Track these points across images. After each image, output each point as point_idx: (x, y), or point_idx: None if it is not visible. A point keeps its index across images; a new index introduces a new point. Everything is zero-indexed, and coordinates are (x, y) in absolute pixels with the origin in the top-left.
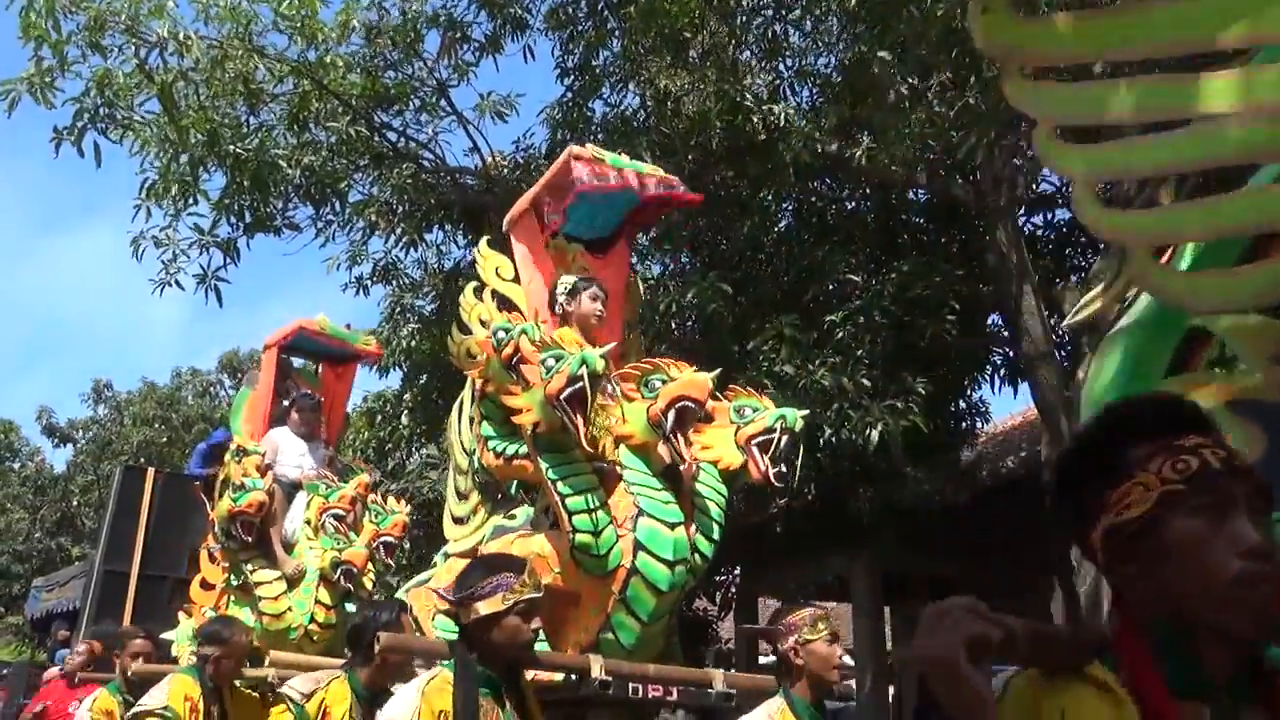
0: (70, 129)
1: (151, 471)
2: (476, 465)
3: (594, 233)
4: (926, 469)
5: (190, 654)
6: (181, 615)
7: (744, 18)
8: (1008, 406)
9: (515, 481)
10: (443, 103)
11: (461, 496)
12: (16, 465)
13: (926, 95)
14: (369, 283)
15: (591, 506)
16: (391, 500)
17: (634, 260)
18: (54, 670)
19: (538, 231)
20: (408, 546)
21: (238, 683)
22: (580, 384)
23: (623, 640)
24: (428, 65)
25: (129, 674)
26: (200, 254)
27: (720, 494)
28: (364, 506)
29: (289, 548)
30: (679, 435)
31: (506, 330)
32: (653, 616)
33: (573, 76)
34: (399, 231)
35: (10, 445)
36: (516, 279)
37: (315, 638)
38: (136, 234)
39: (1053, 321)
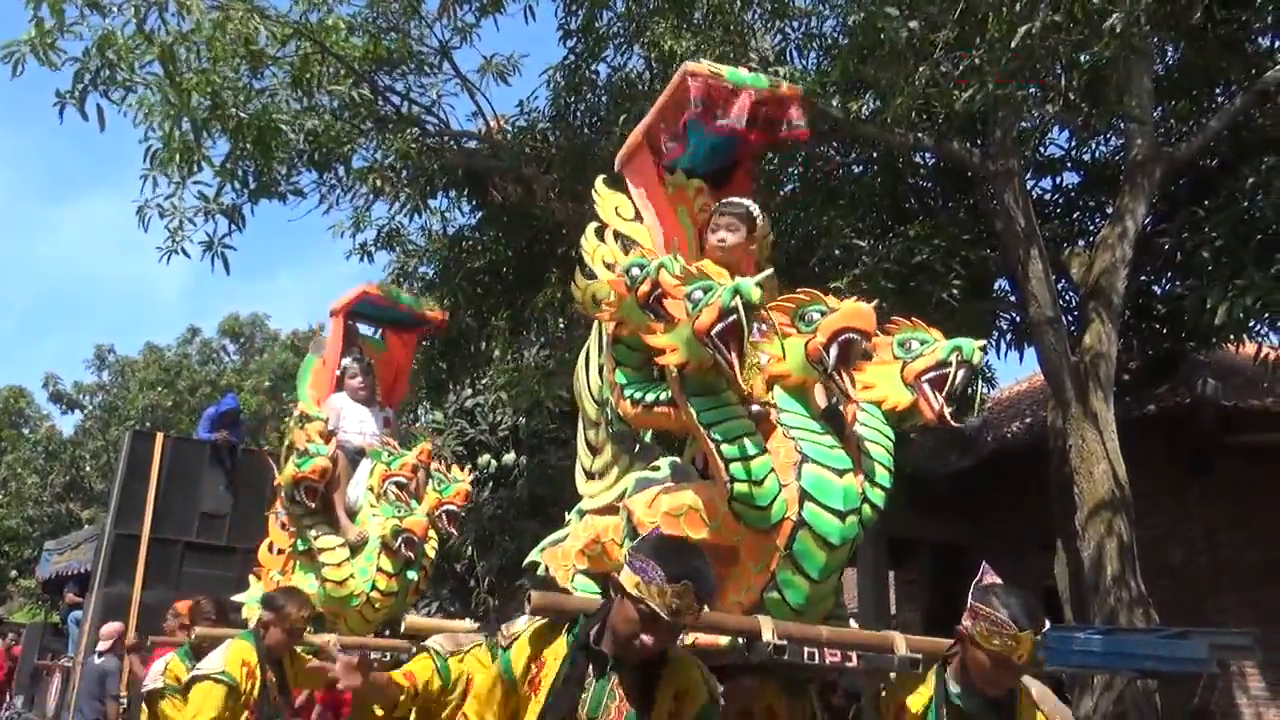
0: (72, 92)
1: (161, 436)
2: (610, 416)
3: (711, 165)
4: (931, 434)
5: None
6: (252, 579)
7: None
8: (1013, 372)
9: (650, 430)
10: (445, 65)
11: (594, 450)
12: (27, 431)
13: (930, 54)
14: (373, 249)
15: (749, 453)
16: (455, 469)
17: None
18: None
19: (653, 165)
20: None
21: (299, 649)
22: (734, 317)
23: (790, 600)
24: (428, 25)
25: (194, 638)
26: (206, 221)
27: (887, 438)
28: (426, 474)
29: (353, 514)
30: (843, 372)
31: (641, 266)
32: (823, 573)
33: (575, 38)
34: (403, 197)
35: (21, 411)
36: (638, 217)
37: (377, 605)
38: (142, 203)
39: (1060, 286)
